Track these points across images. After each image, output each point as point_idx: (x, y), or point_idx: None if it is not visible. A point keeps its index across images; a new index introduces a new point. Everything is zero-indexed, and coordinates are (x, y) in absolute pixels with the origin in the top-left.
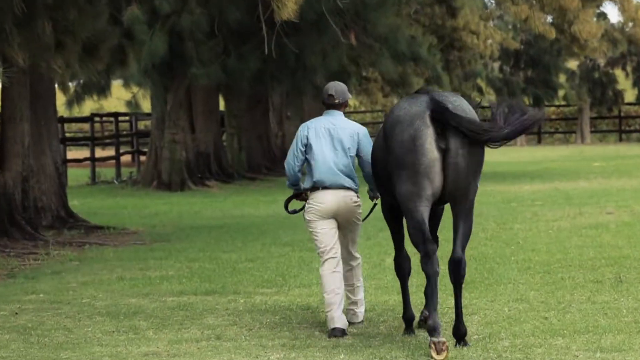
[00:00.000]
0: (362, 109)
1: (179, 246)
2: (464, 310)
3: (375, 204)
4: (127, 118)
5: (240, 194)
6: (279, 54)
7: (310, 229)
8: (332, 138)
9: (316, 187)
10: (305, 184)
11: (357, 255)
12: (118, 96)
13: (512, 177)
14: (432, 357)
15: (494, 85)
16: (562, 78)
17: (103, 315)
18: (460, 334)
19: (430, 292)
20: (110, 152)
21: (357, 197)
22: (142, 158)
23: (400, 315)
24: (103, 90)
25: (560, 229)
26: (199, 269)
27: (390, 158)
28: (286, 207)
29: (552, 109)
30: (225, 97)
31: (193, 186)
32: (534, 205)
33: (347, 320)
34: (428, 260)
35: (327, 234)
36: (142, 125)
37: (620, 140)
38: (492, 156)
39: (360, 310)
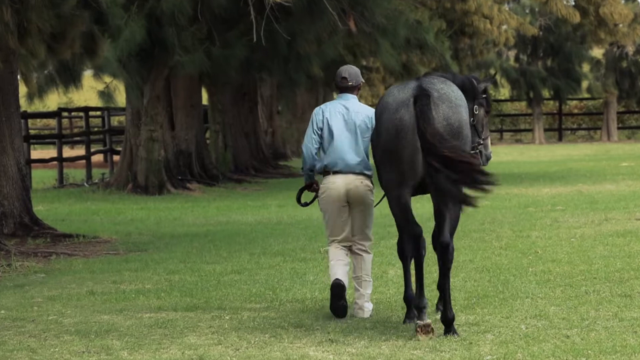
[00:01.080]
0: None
1: (156, 256)
2: (475, 328)
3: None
4: (98, 113)
5: (226, 198)
6: (269, 41)
7: (324, 214)
8: (346, 122)
9: (327, 170)
10: (318, 167)
11: (369, 249)
12: (89, 88)
13: (529, 178)
14: (418, 339)
15: (509, 76)
16: (585, 68)
17: (72, 334)
18: (448, 320)
19: (417, 275)
20: (79, 151)
21: (370, 181)
22: (116, 158)
23: (403, 332)
24: (71, 82)
25: (583, 237)
26: (180, 282)
27: (377, 144)
28: (298, 200)
29: (575, 102)
30: (209, 90)
31: (173, 189)
32: (554, 211)
33: (353, 314)
34: (413, 243)
35: (337, 225)
36: (115, 121)
37: None
38: (508, 156)
39: (367, 306)
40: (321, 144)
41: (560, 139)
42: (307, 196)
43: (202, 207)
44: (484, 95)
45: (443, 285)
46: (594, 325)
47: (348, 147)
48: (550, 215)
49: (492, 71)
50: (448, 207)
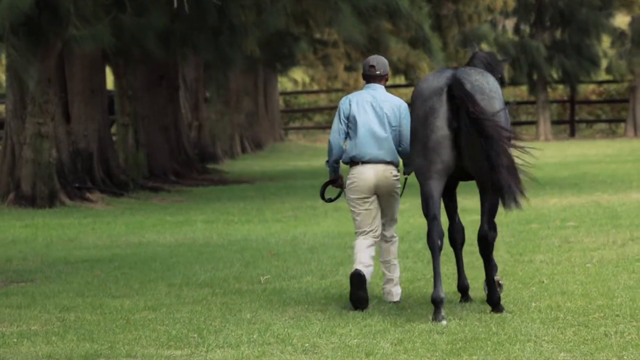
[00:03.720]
0: (315, 87)
1: (46, 289)
2: None
3: (406, 179)
4: None
5: (137, 212)
6: (194, 7)
7: (351, 208)
8: (375, 111)
9: (355, 161)
10: (344, 158)
11: (395, 233)
12: None
13: (532, 186)
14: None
15: (506, 53)
16: (606, 42)
17: None
18: (493, 303)
19: (434, 264)
20: None
21: (397, 171)
22: None
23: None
24: None
25: (602, 262)
26: (77, 321)
27: (411, 130)
28: (322, 195)
29: (592, 86)
30: (116, 71)
31: (68, 200)
32: (565, 228)
33: (383, 299)
34: (430, 235)
35: (366, 215)
36: None
37: None
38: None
39: (396, 290)
40: (348, 134)
41: (572, 134)
42: (331, 192)
43: (107, 224)
44: (499, 76)
45: (487, 272)
46: None
47: (377, 137)
48: (559, 233)
49: (484, 46)
50: (485, 198)
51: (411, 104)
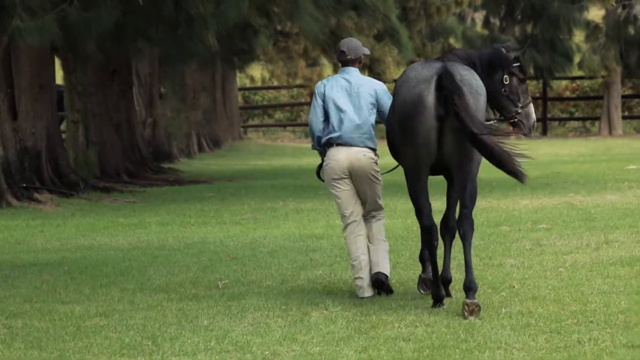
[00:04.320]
0: (275, 83)
1: None
2: None
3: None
4: None
5: (89, 214)
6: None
7: (331, 190)
8: (349, 95)
9: (330, 143)
10: (323, 141)
11: (380, 217)
12: None
13: (502, 186)
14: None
15: (474, 47)
16: (579, 36)
17: None
18: (469, 289)
19: (427, 244)
20: None
21: (374, 153)
22: None
23: None
24: None
25: (576, 266)
26: (24, 328)
27: (394, 117)
28: (319, 175)
29: (565, 83)
30: (66, 66)
31: (15, 201)
32: (537, 230)
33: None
34: (422, 217)
35: (347, 195)
36: None
37: None
38: None
39: (386, 263)
40: (325, 117)
41: (544, 132)
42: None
43: (56, 226)
44: (515, 64)
45: (465, 257)
46: None
47: (351, 120)
48: (530, 236)
49: (452, 40)
50: (465, 184)
51: (395, 92)
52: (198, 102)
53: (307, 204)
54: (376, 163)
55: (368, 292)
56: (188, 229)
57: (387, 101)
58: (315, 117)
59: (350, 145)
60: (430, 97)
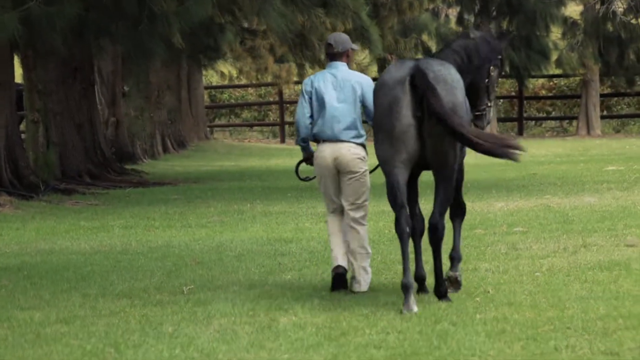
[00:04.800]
0: (244, 81)
1: None
2: None
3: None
4: None
5: (49, 217)
6: None
7: (317, 182)
8: (336, 89)
9: (317, 139)
10: (310, 136)
11: (362, 221)
12: None
13: (477, 188)
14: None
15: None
16: (556, 33)
17: None
18: (440, 294)
19: (403, 251)
20: None
21: (361, 149)
22: None
23: None
24: None
25: (552, 270)
26: None
27: (374, 120)
28: (297, 173)
29: (542, 81)
30: (25, 64)
31: None
32: (512, 234)
33: (350, 289)
34: (397, 222)
35: (331, 190)
36: None
37: None
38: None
39: (364, 279)
40: (312, 113)
41: (520, 132)
42: (307, 172)
43: (15, 230)
44: (499, 56)
45: (435, 263)
46: None
47: (337, 115)
48: (506, 239)
49: (425, 37)
50: (439, 189)
51: (374, 95)
52: (162, 101)
53: (275, 206)
54: (362, 159)
55: (356, 287)
56: (152, 233)
57: (369, 96)
58: (302, 114)
59: (337, 140)
60: (405, 98)
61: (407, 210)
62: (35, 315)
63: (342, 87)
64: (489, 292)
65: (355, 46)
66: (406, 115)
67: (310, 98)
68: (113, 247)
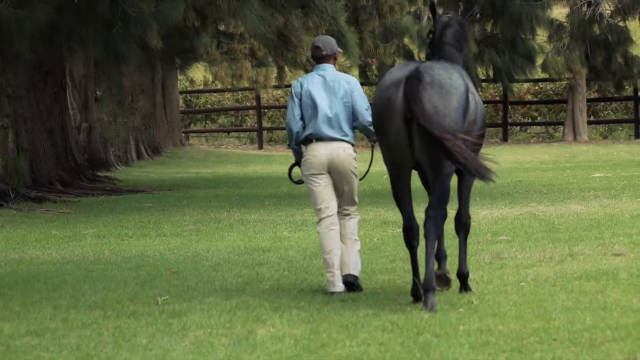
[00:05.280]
0: (220, 86)
1: None
2: None
3: (372, 146)
4: None
5: (19, 226)
6: None
7: (307, 185)
8: (326, 90)
9: (310, 139)
10: (301, 138)
11: (354, 213)
12: None
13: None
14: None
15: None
16: (541, 35)
17: None
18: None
19: (411, 255)
20: None
21: (353, 150)
22: None
23: None
24: None
25: (538, 280)
26: None
27: (372, 120)
28: (290, 176)
29: (527, 85)
30: None
31: None
32: (497, 243)
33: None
34: (403, 218)
35: (322, 190)
36: None
37: (637, 136)
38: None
39: (355, 265)
40: (303, 115)
41: (505, 138)
42: (297, 175)
43: None
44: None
45: (426, 257)
46: None
47: (329, 116)
48: (490, 248)
49: (406, 40)
50: (435, 184)
51: (375, 95)
52: (136, 105)
53: (253, 214)
54: (355, 159)
55: (338, 287)
56: (125, 242)
57: (357, 96)
58: (293, 116)
59: (329, 140)
60: (398, 100)
61: (412, 208)
62: (5, 327)
63: (332, 87)
64: (472, 302)
65: (340, 49)
66: (397, 118)
67: (300, 100)
68: (85, 257)
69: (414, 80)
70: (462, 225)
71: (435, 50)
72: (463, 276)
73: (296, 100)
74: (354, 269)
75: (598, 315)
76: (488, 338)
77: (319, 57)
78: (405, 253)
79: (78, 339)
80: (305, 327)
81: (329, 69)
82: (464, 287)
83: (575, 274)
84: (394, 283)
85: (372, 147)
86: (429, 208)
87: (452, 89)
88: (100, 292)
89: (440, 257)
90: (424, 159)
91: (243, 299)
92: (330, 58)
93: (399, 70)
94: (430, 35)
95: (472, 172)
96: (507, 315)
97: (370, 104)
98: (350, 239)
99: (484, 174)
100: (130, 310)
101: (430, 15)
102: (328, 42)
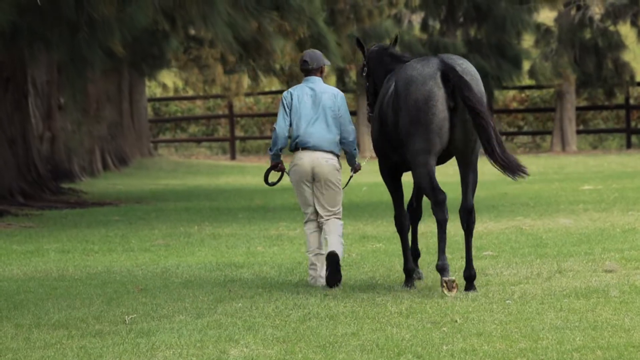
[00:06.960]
0: (190, 92)
1: None
2: None
3: (351, 177)
4: None
5: None
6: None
7: (295, 189)
8: (314, 102)
9: (297, 147)
10: (290, 146)
11: (338, 216)
12: None
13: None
14: (444, 294)
15: (412, 53)
16: (528, 40)
17: None
18: (469, 277)
19: (440, 237)
20: None
21: (337, 161)
22: None
23: None
24: None
25: (525, 298)
26: None
27: (402, 116)
28: (266, 180)
29: (513, 93)
30: None
31: None
32: (481, 258)
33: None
34: (438, 208)
35: (308, 195)
36: None
37: (629, 146)
38: (409, 175)
39: (338, 247)
40: (292, 124)
41: None
42: (274, 177)
43: None
44: None
45: (467, 246)
46: None
47: (317, 126)
48: (474, 264)
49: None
50: (469, 174)
51: (401, 91)
52: (102, 113)
53: (225, 228)
54: (338, 170)
55: (319, 282)
56: (91, 257)
57: (343, 112)
58: (283, 126)
59: (314, 150)
60: (440, 92)
61: (445, 195)
62: None
63: (320, 99)
64: (456, 321)
65: (327, 62)
66: (442, 109)
67: (290, 109)
68: (48, 273)
69: (454, 71)
70: (472, 218)
71: (390, 67)
72: (471, 278)
73: (286, 109)
74: (337, 249)
75: (588, 335)
76: (472, 359)
77: (307, 70)
78: (385, 269)
79: None
80: (280, 347)
81: (317, 82)
82: (470, 287)
83: (564, 291)
84: (374, 300)
85: (351, 176)
86: (465, 200)
87: (476, 74)
88: (64, 311)
89: (415, 256)
90: (459, 147)
91: (215, 318)
92: (317, 71)
93: (424, 65)
94: (365, 69)
95: (505, 168)
96: (493, 334)
97: (395, 100)
98: (333, 233)
99: (515, 172)
100: (96, 330)
101: (360, 50)
102: (315, 56)
